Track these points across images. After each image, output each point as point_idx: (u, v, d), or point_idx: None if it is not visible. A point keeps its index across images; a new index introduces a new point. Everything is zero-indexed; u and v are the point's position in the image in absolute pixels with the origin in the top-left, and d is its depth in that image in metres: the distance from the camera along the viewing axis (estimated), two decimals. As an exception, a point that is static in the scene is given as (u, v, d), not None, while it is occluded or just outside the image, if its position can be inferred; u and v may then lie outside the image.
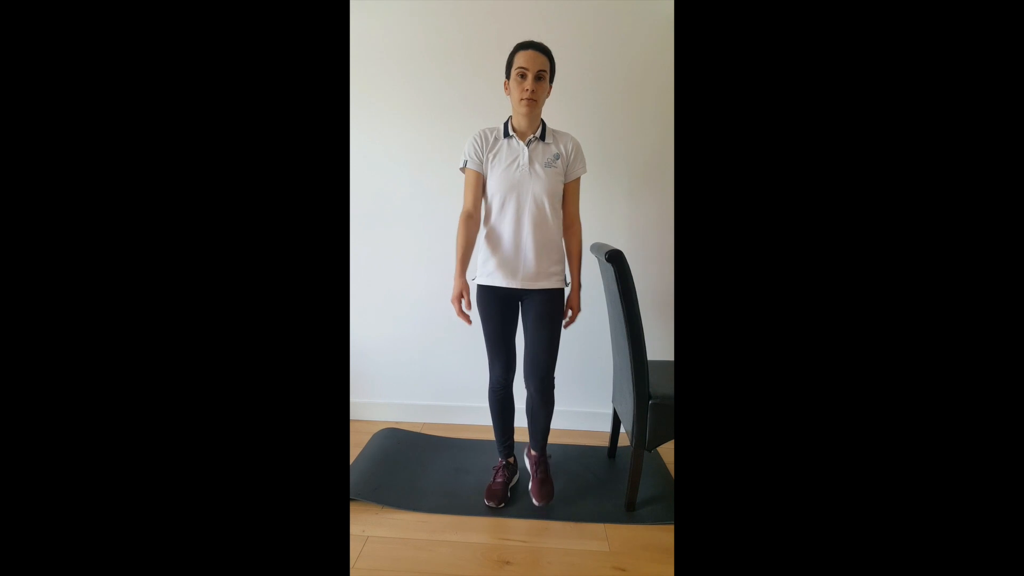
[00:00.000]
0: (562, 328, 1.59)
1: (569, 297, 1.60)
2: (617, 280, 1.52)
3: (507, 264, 1.52)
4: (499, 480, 1.69)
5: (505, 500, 1.66)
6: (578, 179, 1.58)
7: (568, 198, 1.57)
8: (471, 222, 1.52)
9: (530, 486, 1.70)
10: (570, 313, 1.61)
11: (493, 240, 1.54)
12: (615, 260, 1.52)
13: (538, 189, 1.49)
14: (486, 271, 1.56)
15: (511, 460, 1.75)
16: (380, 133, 2.08)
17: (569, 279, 1.61)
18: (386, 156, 2.10)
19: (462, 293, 1.50)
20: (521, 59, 1.44)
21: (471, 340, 2.12)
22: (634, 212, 2.09)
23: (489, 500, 1.64)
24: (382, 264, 2.17)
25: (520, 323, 1.63)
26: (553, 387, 1.62)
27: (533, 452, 1.74)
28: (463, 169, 1.55)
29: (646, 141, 2.04)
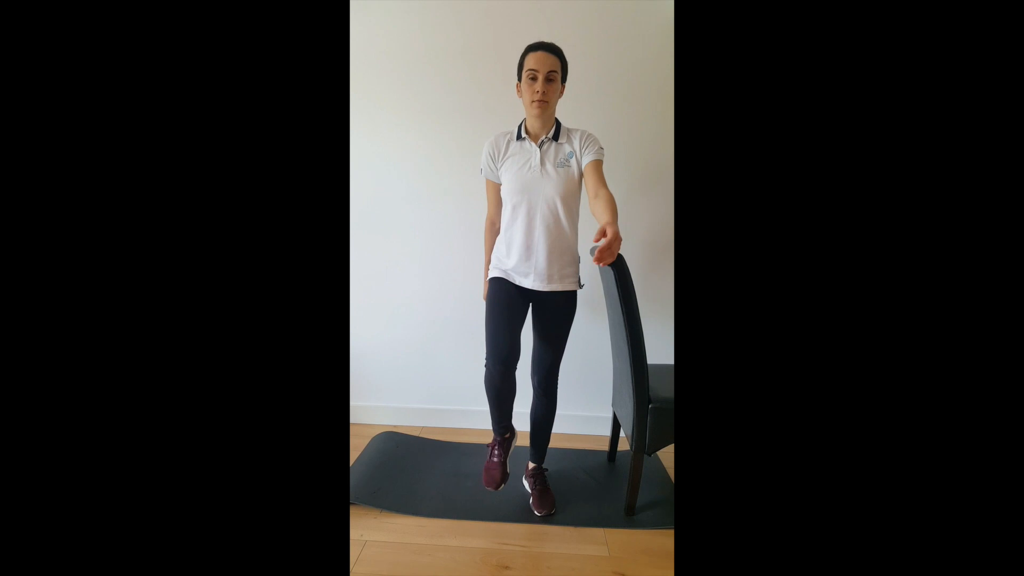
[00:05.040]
0: (593, 258, 1.18)
1: (600, 228, 1.23)
2: (617, 283, 1.52)
3: (520, 266, 1.52)
4: (495, 459, 1.61)
5: (504, 479, 1.60)
6: (594, 163, 1.46)
7: (587, 180, 1.47)
8: (493, 229, 1.64)
9: (531, 501, 1.69)
10: (603, 240, 1.18)
11: (507, 242, 1.54)
12: (614, 263, 1.51)
13: (550, 191, 1.47)
14: (500, 269, 1.57)
15: (507, 436, 1.65)
16: (378, 135, 2.08)
17: (583, 282, 1.60)
18: (384, 158, 2.10)
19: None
20: (531, 61, 1.44)
21: (470, 343, 2.12)
22: (634, 215, 2.09)
23: (488, 484, 1.58)
24: (380, 267, 2.17)
25: (530, 325, 1.60)
26: (556, 383, 1.62)
27: (531, 464, 1.73)
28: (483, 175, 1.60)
29: (646, 144, 2.04)
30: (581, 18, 1.97)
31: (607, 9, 1.96)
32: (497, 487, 1.59)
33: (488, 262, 1.65)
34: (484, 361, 1.54)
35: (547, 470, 1.76)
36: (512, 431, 1.68)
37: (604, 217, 1.31)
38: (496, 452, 1.62)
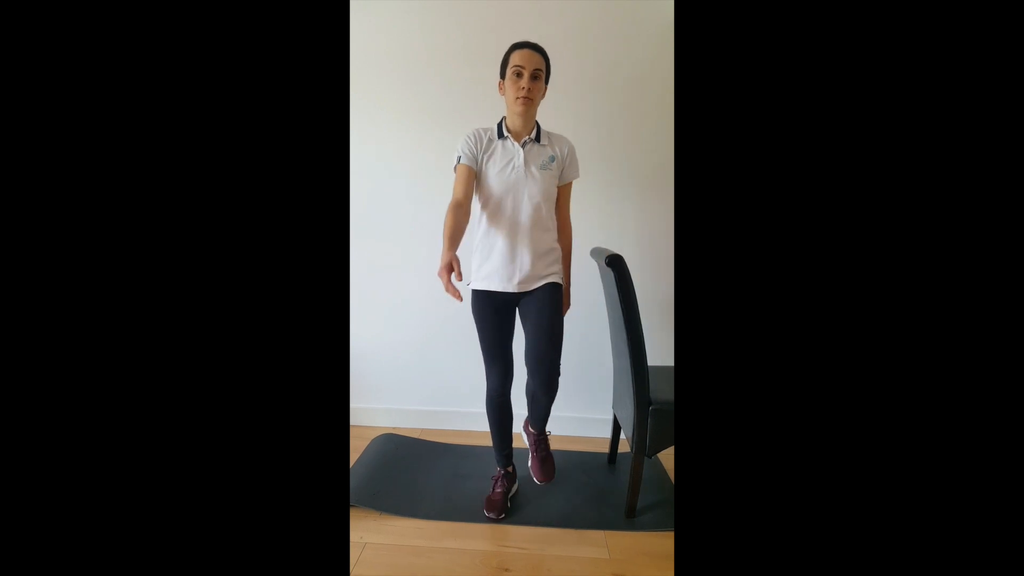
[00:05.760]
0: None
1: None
2: (617, 284, 1.51)
3: (503, 269, 1.49)
4: (498, 491, 1.67)
5: (505, 511, 1.64)
6: (570, 184, 1.57)
7: (560, 202, 1.57)
8: (460, 210, 1.39)
9: (530, 464, 1.66)
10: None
11: (488, 244, 1.50)
12: (615, 264, 1.51)
13: (534, 191, 1.47)
14: (481, 275, 1.52)
15: (510, 469, 1.73)
16: (376, 136, 2.08)
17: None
18: (382, 159, 2.10)
19: (451, 264, 1.27)
20: (517, 58, 1.43)
21: (469, 344, 2.10)
22: (634, 216, 2.09)
23: (489, 511, 1.62)
24: (379, 268, 2.17)
25: (519, 325, 1.59)
26: (558, 375, 1.52)
27: (532, 430, 1.67)
28: (456, 168, 1.49)
29: (647, 145, 2.04)
30: (581, 18, 1.97)
31: (607, 9, 1.96)
32: (499, 516, 1.62)
33: (449, 236, 1.33)
34: (485, 386, 1.61)
35: (551, 433, 1.69)
36: (514, 468, 1.76)
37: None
38: (500, 483, 1.70)
